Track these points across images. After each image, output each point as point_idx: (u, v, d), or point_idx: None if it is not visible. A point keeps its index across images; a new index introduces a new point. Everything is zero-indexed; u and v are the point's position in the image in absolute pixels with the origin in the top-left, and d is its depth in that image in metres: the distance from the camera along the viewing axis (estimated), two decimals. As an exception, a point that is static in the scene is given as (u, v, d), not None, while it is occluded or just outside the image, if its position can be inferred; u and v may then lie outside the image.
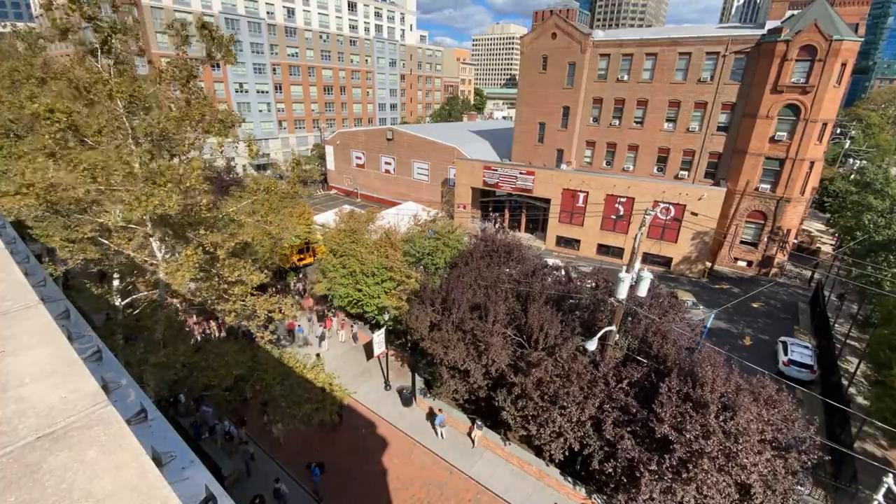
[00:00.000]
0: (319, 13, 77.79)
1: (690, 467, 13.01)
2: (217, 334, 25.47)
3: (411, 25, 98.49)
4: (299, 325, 27.60)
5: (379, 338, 21.53)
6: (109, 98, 11.02)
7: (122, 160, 10.91)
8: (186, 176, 10.91)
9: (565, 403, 15.44)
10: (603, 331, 15.56)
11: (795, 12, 36.28)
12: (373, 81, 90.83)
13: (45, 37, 12.32)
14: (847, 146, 65.08)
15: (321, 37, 78.80)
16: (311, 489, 17.37)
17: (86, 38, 11.70)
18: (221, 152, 13.90)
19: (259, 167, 68.35)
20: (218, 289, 13.52)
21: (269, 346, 16.96)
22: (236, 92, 68.44)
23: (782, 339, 26.25)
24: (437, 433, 19.91)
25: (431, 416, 20.71)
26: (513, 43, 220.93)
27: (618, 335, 16.61)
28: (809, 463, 13.51)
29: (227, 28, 64.50)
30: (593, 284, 21.16)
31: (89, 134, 10.98)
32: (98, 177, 10.12)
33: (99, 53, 11.50)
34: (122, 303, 14.03)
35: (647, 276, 14.51)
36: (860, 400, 22.34)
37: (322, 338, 26.50)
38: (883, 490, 11.82)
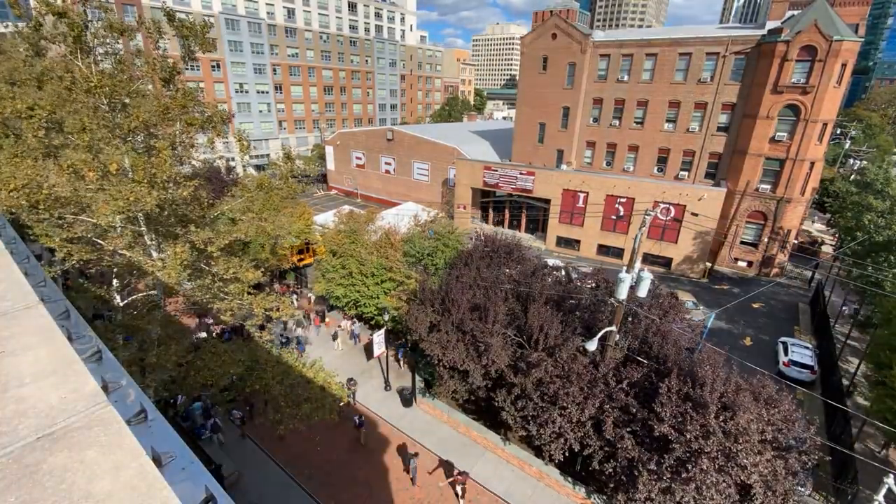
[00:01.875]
0: (319, 13, 77.83)
1: (689, 467, 13.00)
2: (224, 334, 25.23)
3: (411, 26, 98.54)
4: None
5: (379, 338, 21.53)
6: (88, 94, 10.93)
7: (98, 159, 10.74)
8: (159, 167, 10.75)
9: (565, 404, 15.42)
10: (603, 331, 15.53)
11: (795, 12, 36.29)
12: (373, 82, 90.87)
13: (46, 37, 12.25)
14: (847, 146, 65.07)
15: (321, 37, 78.84)
16: None
17: (60, 34, 11.58)
18: (212, 147, 13.84)
19: (259, 167, 68.47)
20: (212, 287, 13.42)
21: (269, 345, 16.91)
22: (236, 92, 68.46)
23: (783, 339, 26.22)
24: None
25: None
26: (513, 43, 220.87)
27: (618, 335, 16.59)
28: (810, 463, 13.50)
29: (227, 28, 64.59)
30: (593, 285, 21.16)
31: (74, 132, 10.90)
32: (85, 175, 10.05)
33: (78, 50, 11.42)
34: (122, 303, 14.00)
35: (648, 277, 14.49)
36: (860, 400, 22.34)
37: (335, 337, 26.53)
38: (883, 490, 11.81)
